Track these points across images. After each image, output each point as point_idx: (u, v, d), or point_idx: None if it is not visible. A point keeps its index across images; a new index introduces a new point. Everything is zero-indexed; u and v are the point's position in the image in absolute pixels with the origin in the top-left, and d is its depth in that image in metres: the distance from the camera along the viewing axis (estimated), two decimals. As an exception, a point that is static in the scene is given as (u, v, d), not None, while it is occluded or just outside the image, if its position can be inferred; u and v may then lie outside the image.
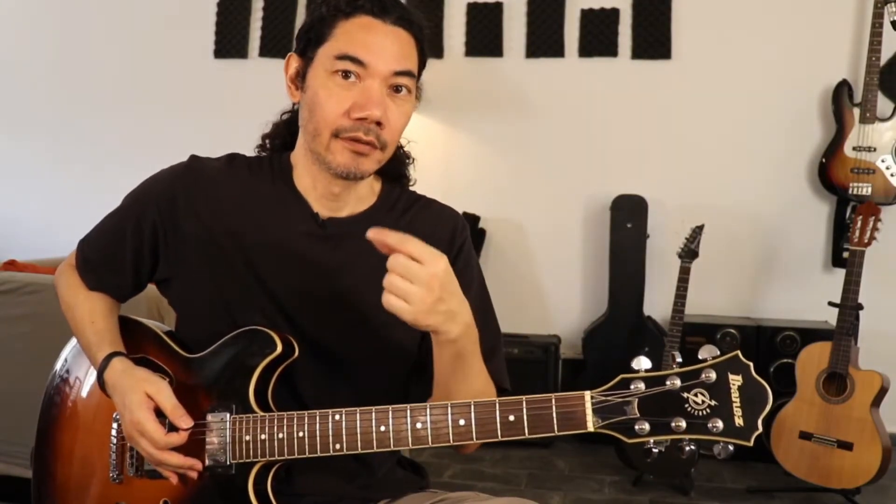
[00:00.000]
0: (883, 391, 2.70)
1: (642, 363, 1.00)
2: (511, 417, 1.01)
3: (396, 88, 1.17)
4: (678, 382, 0.97)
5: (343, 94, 1.14)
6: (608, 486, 3.00)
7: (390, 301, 1.00)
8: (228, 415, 1.14)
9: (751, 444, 0.96)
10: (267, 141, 1.35)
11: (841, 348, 2.73)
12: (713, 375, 0.97)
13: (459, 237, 1.30)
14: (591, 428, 0.99)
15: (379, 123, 1.15)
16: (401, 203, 1.32)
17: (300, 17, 3.86)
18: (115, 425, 1.25)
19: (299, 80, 1.21)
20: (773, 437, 2.85)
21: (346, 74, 1.14)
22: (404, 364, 1.29)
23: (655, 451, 0.99)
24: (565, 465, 3.21)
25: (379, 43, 1.14)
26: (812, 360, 2.80)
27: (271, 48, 3.90)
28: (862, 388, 2.71)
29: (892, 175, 3.20)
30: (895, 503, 2.92)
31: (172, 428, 1.15)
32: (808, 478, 2.78)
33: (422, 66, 1.23)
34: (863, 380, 2.71)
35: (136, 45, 4.08)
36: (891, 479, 2.90)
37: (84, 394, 1.32)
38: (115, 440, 1.25)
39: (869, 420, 2.68)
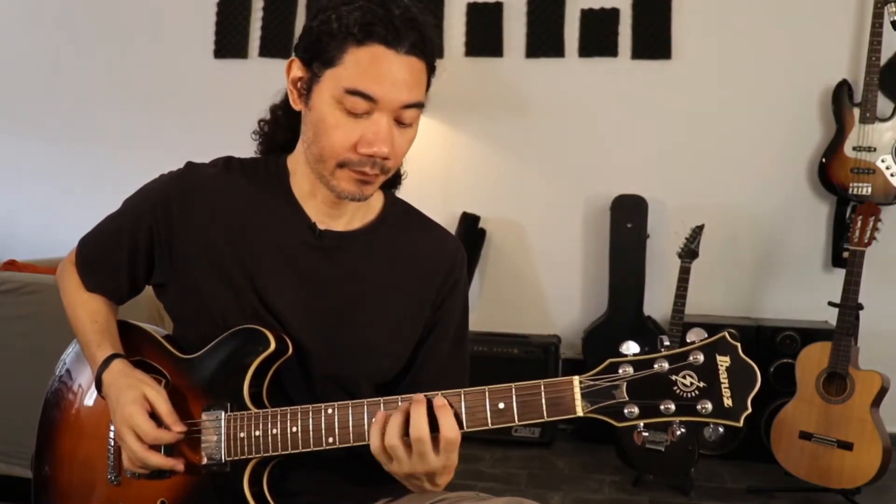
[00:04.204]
0: (883, 391, 2.70)
1: (631, 347, 1.00)
2: (501, 405, 1.02)
3: (403, 119, 1.15)
4: (666, 365, 0.97)
5: (351, 126, 1.12)
6: (608, 486, 2.99)
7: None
8: (223, 413, 1.14)
9: (740, 424, 0.94)
10: (265, 125, 1.31)
11: (841, 348, 2.72)
12: (701, 357, 0.97)
13: (456, 271, 1.29)
14: (580, 413, 0.99)
15: (385, 157, 1.14)
16: (403, 222, 1.31)
17: (300, 17, 3.86)
18: (112, 427, 1.24)
19: (303, 88, 1.17)
20: (773, 437, 2.85)
21: (354, 111, 1.12)
22: (393, 377, 1.28)
23: (645, 434, 0.98)
24: (565, 464, 3.21)
25: (391, 76, 1.11)
26: (812, 360, 2.79)
27: (271, 48, 3.91)
28: (862, 388, 2.70)
29: (892, 175, 3.19)
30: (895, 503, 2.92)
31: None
32: (808, 478, 2.78)
33: (429, 84, 1.20)
34: (863, 380, 2.71)
35: (136, 45, 4.08)
36: (891, 479, 2.89)
37: (83, 397, 1.32)
38: (112, 442, 1.25)
39: (869, 420, 2.68)
